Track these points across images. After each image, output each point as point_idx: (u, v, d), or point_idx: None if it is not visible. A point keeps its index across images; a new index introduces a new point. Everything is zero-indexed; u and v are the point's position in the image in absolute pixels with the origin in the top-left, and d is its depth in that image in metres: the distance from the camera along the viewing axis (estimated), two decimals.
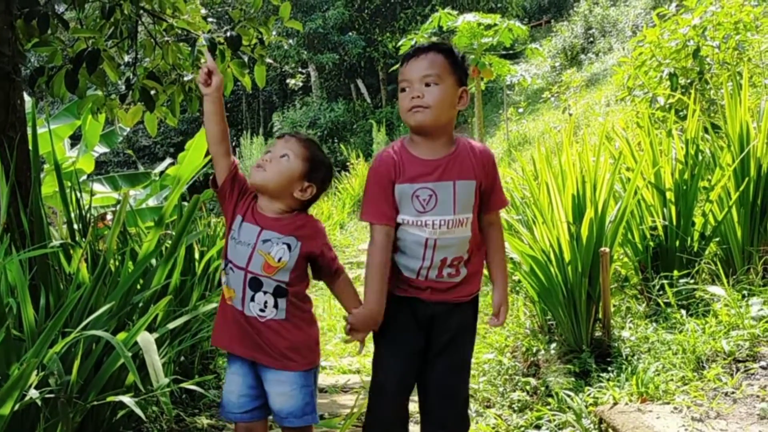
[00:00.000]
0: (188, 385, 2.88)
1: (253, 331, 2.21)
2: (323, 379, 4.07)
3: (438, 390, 2.32)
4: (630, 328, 3.57)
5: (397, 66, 2.46)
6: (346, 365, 4.46)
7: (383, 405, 2.33)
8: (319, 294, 5.99)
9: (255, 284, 2.20)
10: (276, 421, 2.29)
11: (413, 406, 2.49)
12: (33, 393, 2.13)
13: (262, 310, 2.21)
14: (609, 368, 3.22)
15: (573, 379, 3.26)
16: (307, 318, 2.30)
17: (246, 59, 4.25)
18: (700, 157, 4.02)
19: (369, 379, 2.42)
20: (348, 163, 15.05)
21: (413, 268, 2.24)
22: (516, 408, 3.29)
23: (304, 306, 2.29)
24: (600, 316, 3.52)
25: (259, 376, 2.26)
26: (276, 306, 2.22)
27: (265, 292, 2.20)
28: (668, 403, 2.73)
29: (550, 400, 3.14)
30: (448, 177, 2.20)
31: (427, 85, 2.15)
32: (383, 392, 2.33)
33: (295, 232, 2.23)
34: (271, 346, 2.21)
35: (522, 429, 3.05)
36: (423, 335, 2.29)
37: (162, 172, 7.55)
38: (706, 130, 4.38)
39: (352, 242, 10.35)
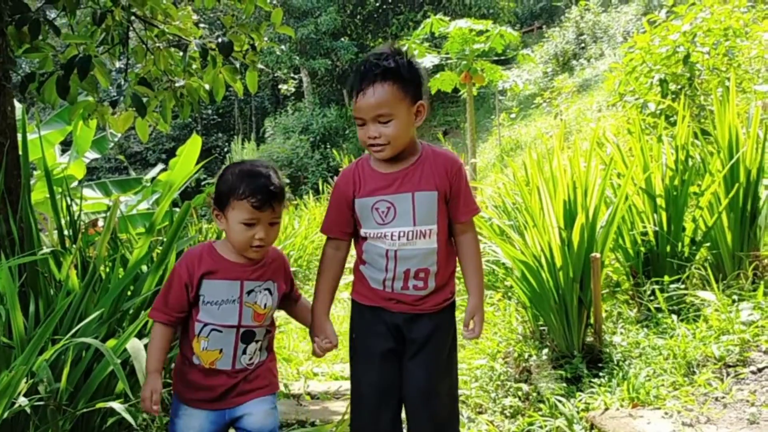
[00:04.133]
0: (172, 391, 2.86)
1: (240, 381, 2.19)
2: (315, 386, 4.06)
3: (413, 397, 2.27)
4: (621, 333, 3.58)
5: None
6: (338, 372, 4.45)
7: (363, 414, 2.32)
8: None
9: (247, 336, 2.18)
10: None
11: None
12: (22, 400, 2.12)
13: (251, 359, 2.20)
14: (600, 374, 3.23)
15: (565, 384, 3.26)
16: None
17: (238, 65, 4.24)
18: (690, 163, 4.04)
19: None
20: (340, 169, 15.04)
21: (378, 279, 2.26)
22: (508, 414, 3.29)
23: (273, 334, 2.34)
24: (591, 321, 3.53)
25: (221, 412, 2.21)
26: (261, 349, 2.24)
27: (257, 341, 2.20)
28: (659, 408, 2.74)
29: (541, 405, 3.14)
30: (407, 188, 2.19)
31: (381, 122, 2.12)
32: (361, 401, 2.32)
33: (271, 276, 2.23)
34: (258, 384, 2.23)
35: None
36: (394, 340, 2.28)
37: (153, 178, 7.54)
38: (696, 136, 4.40)
39: None
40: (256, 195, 2.07)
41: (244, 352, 2.17)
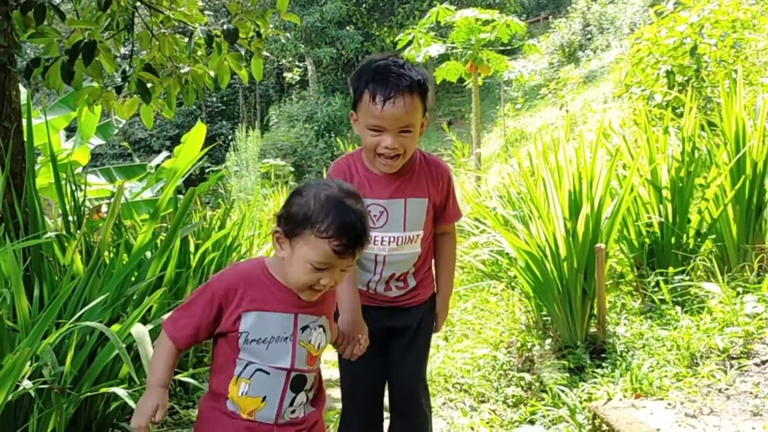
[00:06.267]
0: (182, 378, 2.88)
1: None
2: None
3: (407, 383, 2.32)
4: (625, 324, 3.58)
5: None
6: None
7: (356, 411, 2.34)
8: None
9: (298, 383, 1.77)
10: None
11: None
12: (26, 384, 2.13)
13: (294, 412, 1.79)
14: (603, 364, 3.22)
15: (567, 374, 3.27)
16: None
17: (243, 52, 4.23)
18: (697, 155, 4.02)
19: None
20: None
21: (363, 280, 2.26)
22: (510, 403, 3.30)
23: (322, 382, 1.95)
24: (595, 312, 3.52)
25: None
26: (308, 400, 1.83)
27: (306, 391, 1.80)
28: (662, 399, 2.74)
29: (544, 395, 3.15)
30: (401, 194, 2.18)
31: (402, 133, 2.06)
32: (355, 399, 2.34)
33: (326, 310, 1.85)
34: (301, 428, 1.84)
35: (516, 424, 3.05)
36: (379, 333, 2.25)
37: (158, 165, 7.53)
38: (702, 128, 4.38)
39: None
40: (341, 238, 1.64)
41: (291, 404, 1.77)
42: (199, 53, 4.29)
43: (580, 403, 2.93)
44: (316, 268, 1.67)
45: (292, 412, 1.77)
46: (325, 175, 2.07)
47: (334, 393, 3.75)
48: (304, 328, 1.76)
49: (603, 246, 3.42)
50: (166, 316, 2.02)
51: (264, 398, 1.73)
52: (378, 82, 2.02)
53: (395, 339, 2.31)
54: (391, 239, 2.19)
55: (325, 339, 1.83)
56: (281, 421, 1.75)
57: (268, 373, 1.73)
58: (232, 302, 1.72)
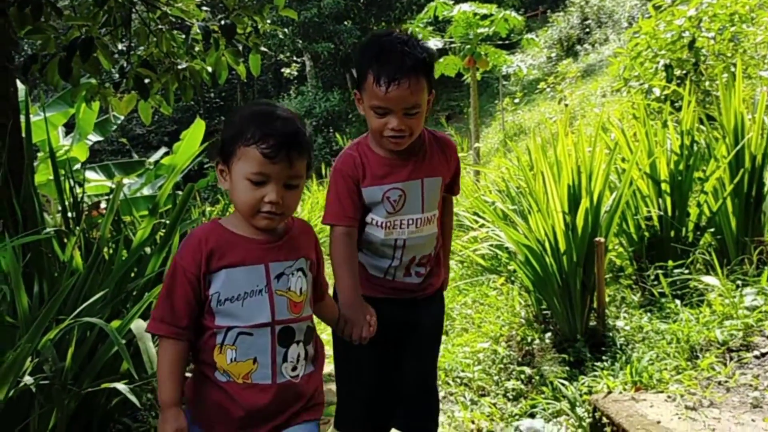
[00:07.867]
0: None
1: (281, 401, 1.70)
2: None
3: (422, 380, 2.32)
4: (624, 317, 3.58)
5: None
6: None
7: (357, 404, 2.32)
8: None
9: (286, 336, 1.69)
10: None
11: None
12: (27, 379, 2.13)
13: (294, 369, 1.71)
14: (603, 357, 3.23)
15: (567, 368, 3.27)
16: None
17: (241, 48, 4.22)
18: (695, 148, 4.02)
19: None
20: None
21: (381, 267, 2.20)
22: (510, 396, 3.31)
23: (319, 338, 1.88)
24: (594, 305, 3.53)
25: None
26: (306, 356, 1.75)
27: (297, 342, 1.72)
28: (662, 392, 2.74)
29: (544, 388, 3.15)
30: (416, 175, 2.13)
31: (409, 114, 2.00)
32: (354, 401, 2.32)
33: (304, 252, 1.77)
34: (303, 404, 1.75)
35: (516, 417, 3.06)
36: (391, 330, 2.20)
37: (156, 161, 7.53)
38: (701, 121, 4.38)
39: None
40: (267, 139, 1.59)
41: (285, 359, 1.69)
42: (196, 49, 4.28)
43: (581, 396, 2.94)
44: (254, 183, 1.62)
45: (293, 369, 1.70)
46: (330, 171, 2.03)
47: (334, 387, 3.76)
48: (279, 276, 1.69)
49: (602, 240, 3.42)
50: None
51: (255, 359, 1.66)
52: (382, 62, 1.96)
53: (408, 334, 2.27)
54: (410, 222, 2.15)
55: (307, 282, 1.75)
56: (281, 380, 1.68)
57: (251, 335, 1.65)
58: (201, 268, 1.64)
